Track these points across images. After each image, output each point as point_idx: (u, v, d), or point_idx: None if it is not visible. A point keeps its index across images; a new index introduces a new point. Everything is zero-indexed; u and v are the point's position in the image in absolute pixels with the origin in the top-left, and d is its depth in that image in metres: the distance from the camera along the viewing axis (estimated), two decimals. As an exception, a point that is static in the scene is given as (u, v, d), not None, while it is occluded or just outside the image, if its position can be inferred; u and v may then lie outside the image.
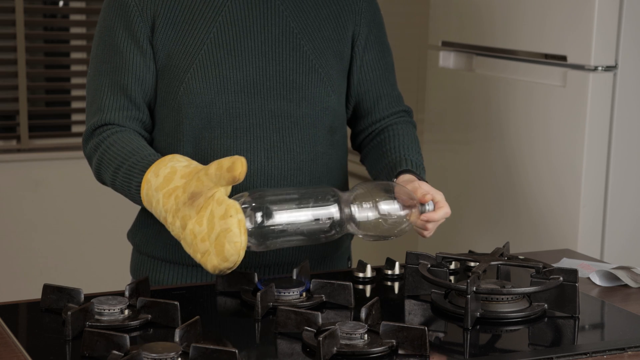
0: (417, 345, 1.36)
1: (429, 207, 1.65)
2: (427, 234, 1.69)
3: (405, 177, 1.74)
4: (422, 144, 2.79)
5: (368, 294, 1.68)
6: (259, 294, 1.51)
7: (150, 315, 1.46)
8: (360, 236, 1.62)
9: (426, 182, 1.76)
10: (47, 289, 1.53)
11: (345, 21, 1.83)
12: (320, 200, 1.58)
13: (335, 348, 1.34)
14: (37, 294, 1.58)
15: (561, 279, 1.55)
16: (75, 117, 4.07)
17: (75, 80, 4.06)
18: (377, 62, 1.88)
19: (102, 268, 3.79)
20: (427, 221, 1.66)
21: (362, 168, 1.96)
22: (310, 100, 1.77)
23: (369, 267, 1.74)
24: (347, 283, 1.57)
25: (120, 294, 1.53)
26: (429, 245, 2.62)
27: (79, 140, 3.97)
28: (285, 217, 1.54)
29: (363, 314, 1.43)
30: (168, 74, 1.74)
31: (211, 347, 1.28)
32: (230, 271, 1.50)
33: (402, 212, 1.62)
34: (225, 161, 1.48)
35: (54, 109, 4.09)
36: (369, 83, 1.87)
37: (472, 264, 1.76)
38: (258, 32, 1.74)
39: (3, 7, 3.83)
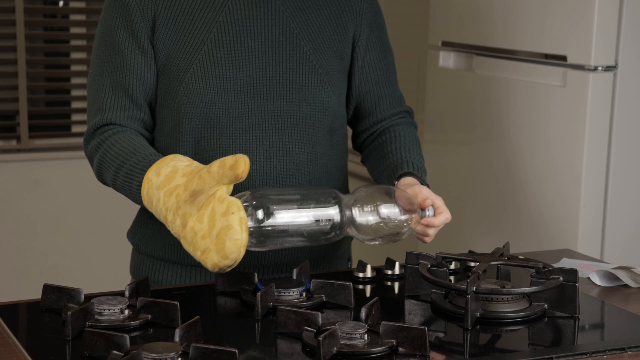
0: (417, 345, 1.36)
1: (429, 212, 1.65)
2: (428, 239, 1.69)
3: (406, 180, 1.74)
4: (422, 144, 2.78)
5: (368, 294, 1.68)
6: (259, 294, 1.51)
7: (150, 315, 1.46)
8: (360, 239, 1.62)
9: (427, 184, 1.76)
10: (47, 289, 1.53)
11: (346, 22, 1.83)
12: (321, 201, 1.58)
13: (335, 348, 1.34)
14: (37, 294, 1.58)
15: (561, 279, 1.55)
16: (75, 117, 4.07)
17: (75, 80, 4.06)
18: (379, 62, 1.88)
19: (102, 268, 3.79)
20: (427, 226, 1.66)
21: (362, 168, 1.96)
22: (310, 101, 1.77)
23: (369, 267, 1.74)
24: (347, 283, 1.57)
25: (120, 294, 1.53)
26: (429, 245, 2.61)
27: (79, 140, 3.97)
28: (286, 217, 1.54)
29: (363, 314, 1.43)
30: (168, 74, 1.74)
31: (211, 347, 1.28)
32: (230, 269, 1.50)
33: (403, 217, 1.61)
34: (228, 159, 1.48)
35: (54, 109, 4.09)
36: (370, 83, 1.87)
37: (472, 264, 1.76)
38: (258, 33, 1.74)
39: (3, 7, 3.83)
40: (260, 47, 1.74)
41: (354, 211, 1.59)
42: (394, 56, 1.93)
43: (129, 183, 1.62)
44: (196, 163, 1.57)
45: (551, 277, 1.56)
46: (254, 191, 1.55)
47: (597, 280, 1.78)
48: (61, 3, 4.07)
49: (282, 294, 1.57)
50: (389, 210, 1.60)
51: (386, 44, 1.90)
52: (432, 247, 1.84)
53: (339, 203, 1.58)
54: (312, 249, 1.78)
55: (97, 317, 1.45)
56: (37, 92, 4.05)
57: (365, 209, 1.59)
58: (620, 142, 2.23)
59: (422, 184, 1.74)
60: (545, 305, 1.56)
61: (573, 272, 1.56)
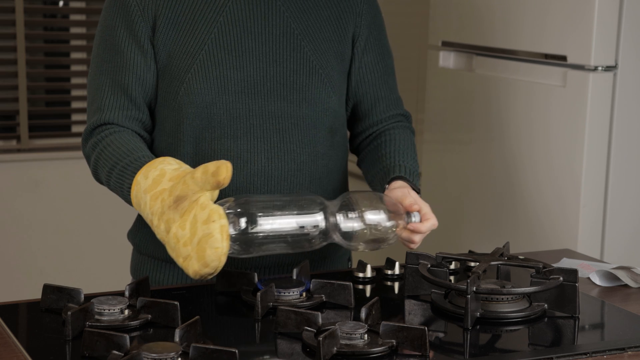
0: (417, 345, 1.36)
1: (415, 218, 1.64)
2: (413, 246, 1.67)
3: (397, 184, 1.73)
4: (422, 144, 2.79)
5: (368, 294, 1.68)
6: (259, 294, 1.51)
7: (150, 315, 1.46)
8: (345, 246, 1.61)
9: (419, 190, 1.75)
10: (47, 289, 1.53)
11: (346, 22, 1.83)
12: (305, 208, 1.56)
13: (335, 348, 1.34)
14: (37, 294, 1.58)
15: (561, 279, 1.55)
16: (75, 117, 4.07)
17: (75, 80, 4.06)
18: (376, 64, 1.87)
19: (102, 268, 3.79)
20: (413, 232, 1.65)
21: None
22: (310, 101, 1.77)
23: (369, 267, 1.74)
24: (347, 283, 1.57)
25: (120, 294, 1.53)
26: (429, 245, 2.62)
27: (79, 140, 3.97)
28: (270, 224, 1.53)
29: (363, 314, 1.43)
30: (169, 74, 1.74)
31: (211, 347, 1.28)
32: (211, 277, 1.49)
33: (388, 224, 1.61)
34: (211, 165, 1.47)
35: (54, 109, 4.09)
36: (367, 85, 1.87)
37: (472, 264, 1.76)
38: (259, 33, 1.74)
39: (3, 7, 3.83)
40: (260, 47, 1.74)
41: (338, 218, 1.58)
42: (393, 59, 1.93)
43: (120, 184, 1.62)
44: (185, 166, 1.56)
45: (551, 277, 1.56)
46: (238, 198, 1.54)
47: (597, 280, 1.78)
48: (61, 3, 4.07)
49: (282, 294, 1.57)
50: (374, 217, 1.59)
51: (385, 46, 1.90)
52: (432, 247, 1.84)
53: (323, 209, 1.57)
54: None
55: (97, 317, 1.45)
56: (37, 92, 4.05)
57: (350, 215, 1.58)
58: (620, 142, 2.23)
59: (413, 189, 1.73)
60: (545, 305, 1.56)
61: (573, 272, 1.56)
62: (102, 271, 3.67)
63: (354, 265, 1.85)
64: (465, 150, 2.61)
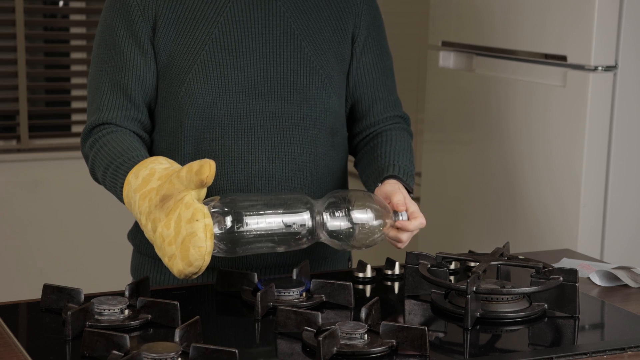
0: (417, 345, 1.36)
1: (402, 216, 1.64)
2: (401, 245, 1.67)
3: (388, 182, 1.73)
4: (422, 144, 2.79)
5: (368, 294, 1.68)
6: (259, 294, 1.51)
7: (150, 315, 1.46)
8: (332, 245, 1.61)
9: (412, 190, 1.75)
10: (47, 289, 1.53)
11: (346, 23, 1.83)
12: (292, 207, 1.56)
13: (335, 348, 1.34)
14: (37, 294, 1.58)
15: (561, 279, 1.55)
16: (75, 117, 4.07)
17: (75, 80, 4.06)
18: (374, 65, 1.87)
19: (102, 268, 3.79)
20: (401, 230, 1.65)
21: (361, 169, 1.96)
22: (311, 102, 1.77)
23: (369, 267, 1.74)
24: (347, 283, 1.57)
25: (120, 294, 1.53)
26: (429, 245, 2.62)
27: (78, 140, 3.95)
28: (255, 223, 1.52)
29: (363, 314, 1.43)
30: (169, 74, 1.74)
31: (211, 347, 1.28)
32: (196, 276, 1.49)
33: (375, 222, 1.60)
34: (195, 164, 1.47)
35: (54, 109, 4.09)
36: (365, 86, 1.87)
37: (472, 264, 1.76)
38: (259, 34, 1.74)
39: (3, 7, 3.83)
40: (261, 48, 1.74)
41: (325, 216, 1.57)
42: (392, 60, 1.92)
43: (114, 184, 1.62)
44: (176, 165, 1.56)
45: (551, 277, 1.56)
46: (224, 197, 1.54)
47: (597, 280, 1.78)
48: (61, 3, 4.07)
49: (282, 294, 1.57)
50: (360, 216, 1.59)
51: (384, 47, 1.90)
52: (432, 247, 1.84)
53: (310, 208, 1.57)
54: (312, 249, 1.78)
55: (97, 317, 1.45)
56: (37, 92, 4.05)
57: (337, 214, 1.58)
58: (620, 142, 2.23)
59: (406, 188, 1.73)
60: (545, 305, 1.56)
61: (573, 272, 1.56)
62: (102, 271, 3.67)
63: (354, 265, 1.85)
64: (465, 150, 2.61)
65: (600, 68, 2.19)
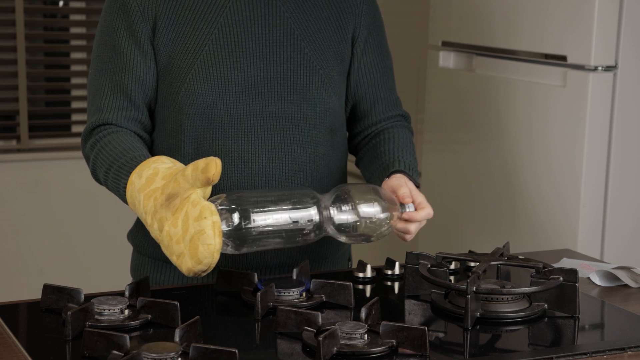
0: (417, 345, 1.36)
1: (409, 208, 1.64)
2: (409, 237, 1.67)
3: (395, 176, 1.73)
4: (422, 144, 2.79)
5: (368, 294, 1.68)
6: (259, 294, 1.51)
7: (150, 315, 1.46)
8: (340, 239, 1.61)
9: (418, 184, 1.75)
10: (47, 289, 1.53)
11: (346, 23, 1.83)
12: (298, 202, 1.56)
13: (335, 348, 1.34)
14: (37, 294, 1.58)
15: (561, 279, 1.55)
16: (75, 117, 4.07)
17: (75, 80, 4.06)
18: (375, 65, 1.87)
19: (102, 268, 3.79)
20: (408, 221, 1.65)
21: (361, 168, 1.96)
22: (311, 102, 1.77)
23: (369, 267, 1.74)
24: (347, 283, 1.57)
25: (120, 294, 1.53)
26: (429, 245, 2.62)
27: (78, 140, 3.95)
28: (263, 219, 1.52)
29: (363, 314, 1.43)
30: (169, 75, 1.74)
31: (211, 347, 1.28)
32: (205, 274, 1.49)
33: (382, 215, 1.61)
34: (201, 162, 1.47)
35: (54, 109, 4.09)
36: (366, 85, 1.87)
37: (472, 264, 1.76)
38: (259, 34, 1.74)
39: (3, 7, 3.83)
40: (261, 48, 1.74)
41: (332, 211, 1.57)
42: (392, 60, 1.93)
43: (117, 184, 1.62)
44: (179, 165, 1.56)
45: (551, 277, 1.56)
46: (230, 194, 1.54)
47: (597, 280, 1.78)
48: (61, 3, 4.07)
49: (282, 294, 1.57)
50: (367, 209, 1.59)
51: (384, 47, 1.90)
52: (432, 247, 1.84)
53: (316, 203, 1.57)
54: (312, 249, 1.78)
55: (97, 317, 1.45)
56: (37, 92, 4.05)
57: (344, 208, 1.58)
58: (620, 142, 2.23)
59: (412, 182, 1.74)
60: (545, 305, 1.56)
61: (573, 272, 1.56)
62: (102, 271, 3.67)
63: (354, 265, 1.85)
64: (465, 150, 2.61)
65: (600, 68, 2.19)
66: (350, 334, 1.36)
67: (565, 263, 1.90)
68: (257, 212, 1.52)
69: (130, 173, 1.58)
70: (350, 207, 1.58)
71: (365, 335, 1.37)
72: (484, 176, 2.51)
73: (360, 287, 1.70)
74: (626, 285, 1.77)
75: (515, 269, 1.72)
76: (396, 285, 1.73)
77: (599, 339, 1.52)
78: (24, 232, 3.87)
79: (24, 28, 3.84)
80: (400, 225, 1.65)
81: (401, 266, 1.75)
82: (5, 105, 3.91)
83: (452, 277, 1.73)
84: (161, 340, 1.33)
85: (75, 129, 4.07)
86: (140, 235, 1.84)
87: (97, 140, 1.71)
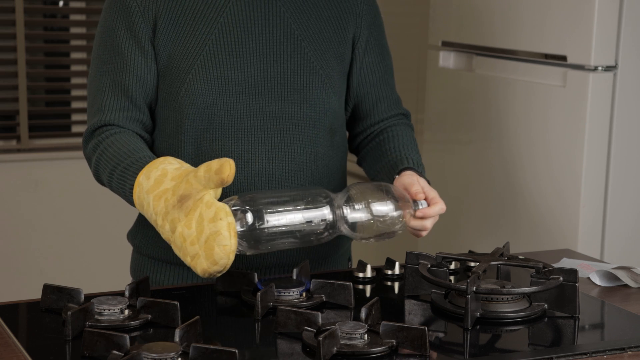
0: (417, 345, 1.36)
1: (421, 205, 1.65)
2: (424, 233, 1.68)
3: (407, 173, 1.74)
4: (422, 144, 2.79)
5: (368, 294, 1.68)
6: (259, 294, 1.51)
7: (150, 315, 1.46)
8: (354, 238, 1.61)
9: (428, 180, 1.76)
10: (47, 289, 1.53)
11: (346, 23, 1.83)
12: (312, 202, 1.56)
13: (335, 348, 1.34)
14: (37, 294, 1.58)
15: (561, 279, 1.55)
16: (75, 117, 4.07)
17: (75, 80, 4.06)
18: (377, 64, 1.88)
19: (102, 268, 3.79)
20: (423, 218, 1.65)
21: (361, 168, 1.96)
22: (311, 102, 1.77)
23: (369, 267, 1.74)
24: (347, 283, 1.57)
25: (120, 294, 1.53)
26: (429, 245, 2.62)
27: (79, 140, 3.97)
28: (277, 219, 1.53)
29: (363, 314, 1.43)
30: (169, 75, 1.74)
31: (211, 347, 1.28)
32: (220, 274, 1.50)
33: (395, 213, 1.61)
34: (214, 163, 1.47)
35: (54, 109, 4.09)
36: (369, 85, 1.87)
37: (472, 264, 1.76)
38: (259, 34, 1.74)
39: (3, 7, 3.83)
40: (261, 48, 1.74)
41: (345, 210, 1.58)
42: (392, 59, 1.93)
43: (122, 186, 1.62)
44: (186, 166, 1.56)
45: (551, 277, 1.56)
46: (243, 195, 1.54)
47: (597, 280, 1.78)
48: (61, 3, 4.07)
49: (282, 294, 1.57)
50: (381, 207, 1.60)
51: (384, 46, 1.90)
52: (432, 247, 1.84)
53: (329, 202, 1.57)
54: (312, 249, 1.78)
55: (97, 317, 1.45)
56: (37, 92, 4.05)
57: (357, 207, 1.59)
58: (620, 142, 2.23)
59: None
60: (545, 305, 1.56)
61: (573, 272, 1.56)
62: (102, 271, 3.67)
63: (354, 265, 1.85)
64: (465, 150, 2.61)
65: (600, 68, 2.19)
66: (350, 334, 1.36)
67: (565, 263, 1.90)
68: (270, 212, 1.52)
69: (137, 174, 1.58)
70: (364, 206, 1.59)
71: (365, 335, 1.37)
72: (484, 176, 2.51)
73: (360, 287, 1.70)
74: (626, 285, 1.77)
75: (515, 269, 1.72)
76: (396, 285, 1.73)
77: (599, 339, 1.52)
78: (24, 232, 3.87)
79: (24, 28, 3.84)
80: (415, 223, 1.66)
81: (401, 266, 1.75)
82: (5, 105, 3.91)
83: (452, 277, 1.73)
84: (161, 340, 1.33)
85: (75, 129, 4.07)
86: (140, 235, 1.84)
87: (99, 142, 1.71)
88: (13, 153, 3.87)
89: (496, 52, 2.48)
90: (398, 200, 1.62)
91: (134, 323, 1.44)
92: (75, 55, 4.07)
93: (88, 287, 1.64)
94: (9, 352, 1.38)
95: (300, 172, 1.76)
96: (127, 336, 1.31)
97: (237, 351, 1.27)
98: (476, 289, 1.51)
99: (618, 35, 2.20)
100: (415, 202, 1.66)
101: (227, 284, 1.64)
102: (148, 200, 1.53)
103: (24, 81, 3.85)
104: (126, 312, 1.47)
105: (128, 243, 1.89)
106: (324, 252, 1.83)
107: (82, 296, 1.52)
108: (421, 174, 1.77)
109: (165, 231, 1.51)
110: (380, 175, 1.81)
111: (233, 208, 1.50)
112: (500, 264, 1.65)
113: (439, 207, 1.67)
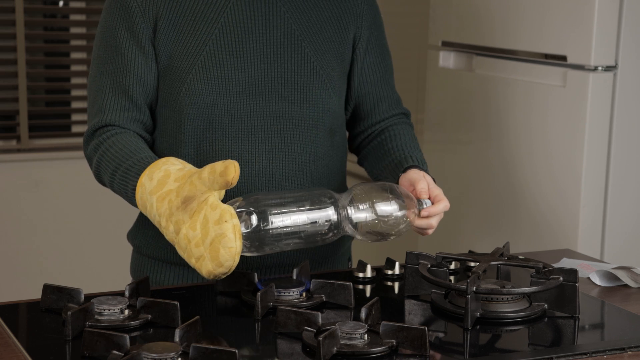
0: (417, 345, 1.36)
1: (426, 204, 1.66)
2: (431, 231, 1.69)
3: (413, 170, 1.74)
4: (422, 144, 2.79)
5: (368, 294, 1.68)
6: (259, 294, 1.51)
7: (150, 315, 1.46)
8: (359, 238, 1.62)
9: (433, 178, 1.76)
10: (47, 289, 1.53)
11: (347, 23, 1.83)
12: (316, 202, 1.57)
13: (335, 348, 1.34)
14: (37, 294, 1.58)
15: (561, 279, 1.55)
16: (75, 117, 4.07)
17: (75, 80, 4.06)
18: (378, 64, 1.88)
19: (102, 268, 3.79)
20: (428, 216, 1.66)
21: (361, 168, 1.96)
22: (311, 102, 1.77)
23: (369, 267, 1.74)
24: (347, 283, 1.57)
25: (120, 294, 1.53)
26: (429, 245, 2.62)
27: (79, 140, 3.97)
28: (281, 220, 1.53)
29: (363, 314, 1.43)
30: (170, 75, 1.74)
31: (211, 347, 1.28)
32: (225, 276, 1.50)
33: (400, 213, 1.62)
34: (219, 165, 1.47)
35: (54, 109, 4.09)
36: (369, 85, 1.88)
37: (472, 264, 1.76)
38: (260, 34, 1.74)
39: (3, 7, 3.83)
40: (262, 48, 1.74)
41: (349, 210, 1.58)
42: (392, 58, 1.93)
43: (124, 186, 1.62)
44: (189, 166, 1.56)
45: (551, 277, 1.56)
46: (247, 197, 1.54)
47: (597, 280, 1.78)
48: (61, 3, 4.07)
49: (282, 294, 1.57)
50: (385, 207, 1.60)
51: (385, 46, 1.91)
52: (432, 247, 1.84)
53: (334, 203, 1.57)
54: (313, 250, 1.78)
55: (97, 317, 1.45)
56: (37, 92, 4.05)
57: (362, 207, 1.59)
58: (620, 142, 2.23)
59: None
60: (545, 305, 1.56)
61: (573, 272, 1.56)
62: (102, 271, 3.67)
63: (354, 265, 1.85)
64: (465, 150, 2.61)
65: (600, 68, 2.19)
66: (350, 334, 1.36)
67: (565, 263, 1.90)
68: (275, 213, 1.53)
69: (139, 175, 1.58)
70: (368, 206, 1.59)
71: (365, 335, 1.37)
72: (484, 176, 2.51)
73: (360, 287, 1.70)
74: (626, 285, 1.77)
75: (515, 269, 1.73)
76: (396, 285, 1.73)
77: (599, 339, 1.52)
78: (24, 232, 3.87)
79: (24, 28, 3.84)
80: (421, 221, 1.66)
81: (401, 266, 1.75)
82: (5, 105, 3.91)
83: (452, 277, 1.73)
84: (161, 340, 1.33)
85: (75, 129, 4.07)
86: (140, 235, 1.84)
87: (100, 142, 1.71)
88: (13, 153, 3.87)
89: (496, 52, 2.48)
90: (402, 200, 1.62)
91: (134, 323, 1.44)
92: (75, 55, 4.07)
93: (88, 287, 1.64)
94: (9, 352, 1.38)
95: (300, 172, 1.76)
96: (127, 336, 1.31)
97: (237, 351, 1.27)
98: (476, 289, 1.51)
99: (618, 35, 2.20)
100: (419, 201, 1.66)
101: (227, 284, 1.64)
102: (151, 201, 1.53)
103: (24, 81, 3.85)
104: (126, 312, 1.47)
105: (128, 243, 1.89)
106: (324, 252, 1.83)
107: (82, 296, 1.52)
108: (426, 171, 1.77)
109: (169, 232, 1.51)
110: (384, 174, 1.81)
111: (238, 210, 1.50)
112: (500, 264, 1.65)
113: (444, 204, 1.67)
